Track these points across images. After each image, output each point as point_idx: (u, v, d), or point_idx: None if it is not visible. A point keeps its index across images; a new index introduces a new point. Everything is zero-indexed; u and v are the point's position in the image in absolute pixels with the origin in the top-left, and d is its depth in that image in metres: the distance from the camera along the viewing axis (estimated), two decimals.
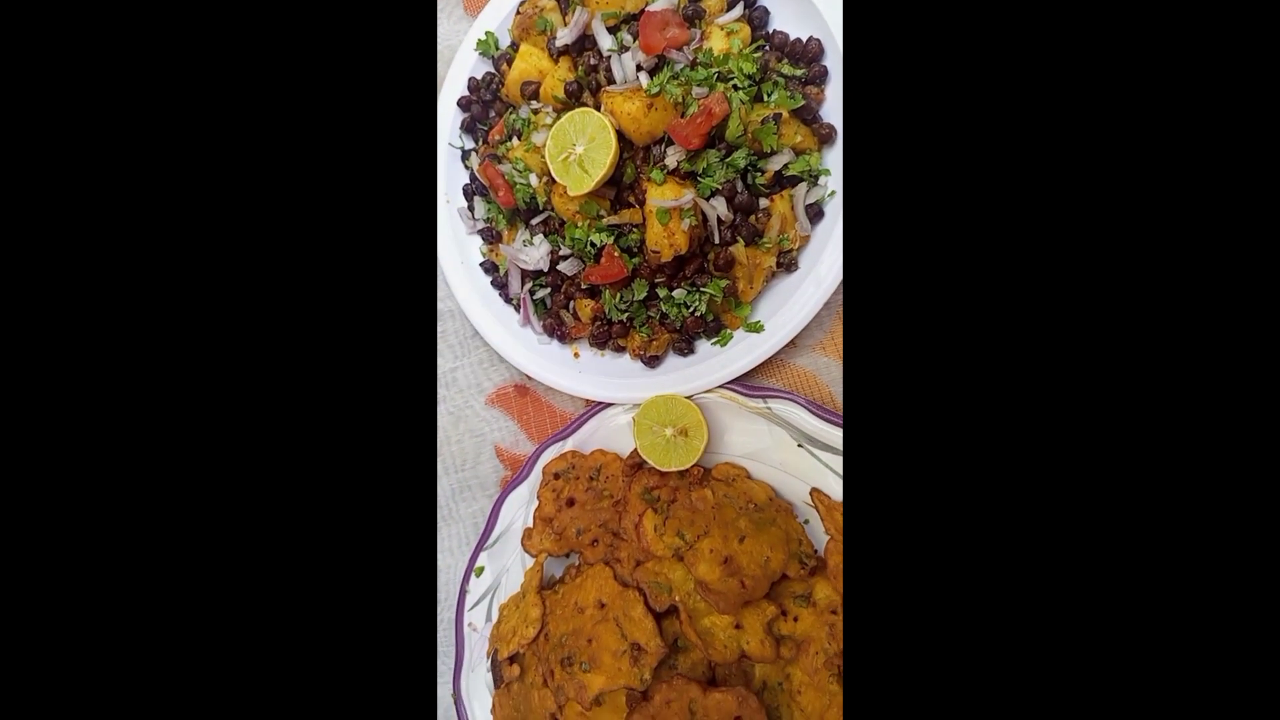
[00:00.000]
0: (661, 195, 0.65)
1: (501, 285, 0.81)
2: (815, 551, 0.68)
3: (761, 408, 0.70)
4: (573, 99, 0.70)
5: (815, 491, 0.68)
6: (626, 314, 0.73)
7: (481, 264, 0.83)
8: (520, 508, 0.80)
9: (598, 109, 0.67)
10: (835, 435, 0.68)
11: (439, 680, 0.86)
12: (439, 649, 0.88)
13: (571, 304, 0.76)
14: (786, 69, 0.67)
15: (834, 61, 0.67)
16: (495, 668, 0.78)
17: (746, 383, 0.71)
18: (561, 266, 0.74)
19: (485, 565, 0.82)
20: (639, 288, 0.71)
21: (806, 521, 0.70)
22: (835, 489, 0.68)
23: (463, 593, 0.82)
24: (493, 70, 0.81)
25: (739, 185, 0.66)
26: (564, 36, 0.70)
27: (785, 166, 0.66)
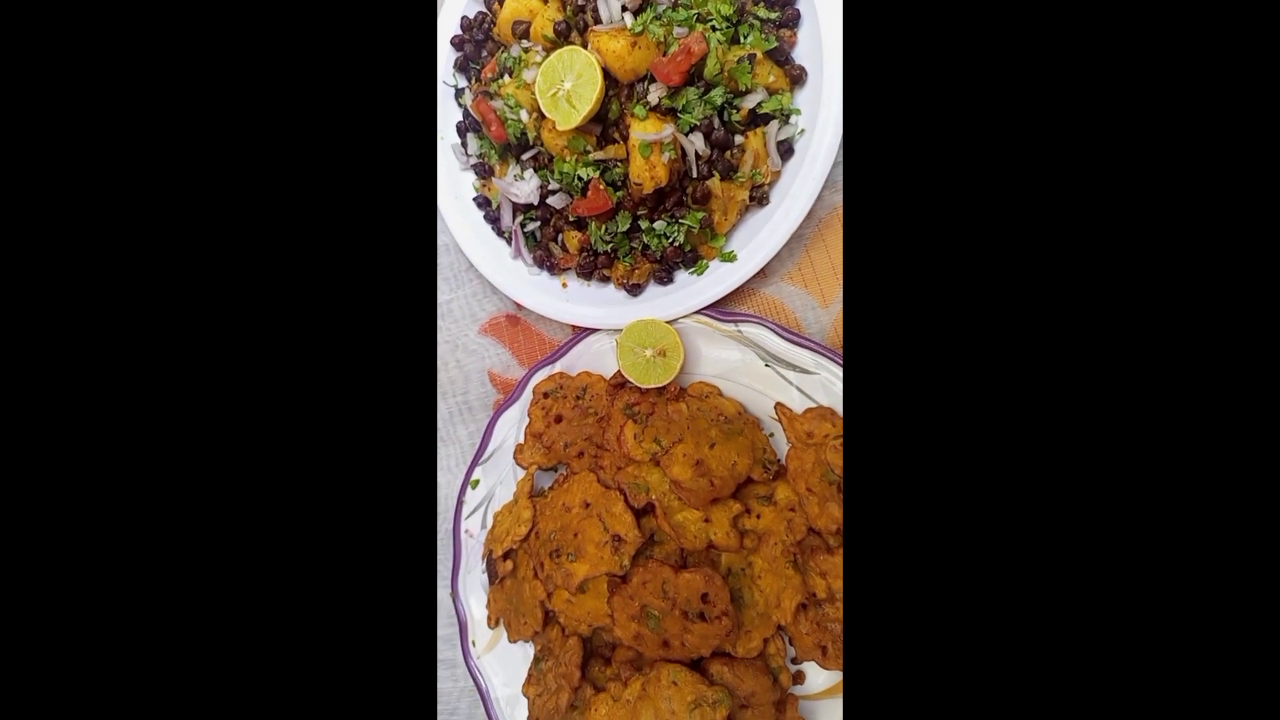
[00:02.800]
0: (644, 129, 0.70)
1: (494, 219, 0.86)
2: (778, 460, 0.76)
3: (733, 331, 0.77)
4: (561, 38, 0.74)
5: (779, 405, 0.75)
6: (611, 245, 0.78)
7: (475, 199, 0.88)
8: (512, 427, 0.87)
9: (585, 47, 0.71)
10: (799, 355, 0.75)
11: (440, 582, 0.94)
12: (439, 556, 0.96)
13: (560, 236, 0.82)
14: (761, 12, 0.71)
15: (807, 6, 0.71)
16: (490, 566, 0.86)
17: (720, 308, 0.78)
18: (551, 200, 0.79)
19: (480, 478, 0.89)
20: (623, 220, 0.76)
21: (771, 434, 0.78)
22: (798, 404, 0.75)
23: (459, 503, 0.89)
24: (485, 10, 0.84)
25: (716, 122, 0.71)
26: None
27: (759, 105, 0.71)
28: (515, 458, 0.85)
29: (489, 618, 0.85)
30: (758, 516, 0.73)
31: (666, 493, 0.73)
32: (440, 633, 0.95)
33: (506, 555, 0.82)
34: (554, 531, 0.76)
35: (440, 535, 0.95)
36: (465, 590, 0.88)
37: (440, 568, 0.95)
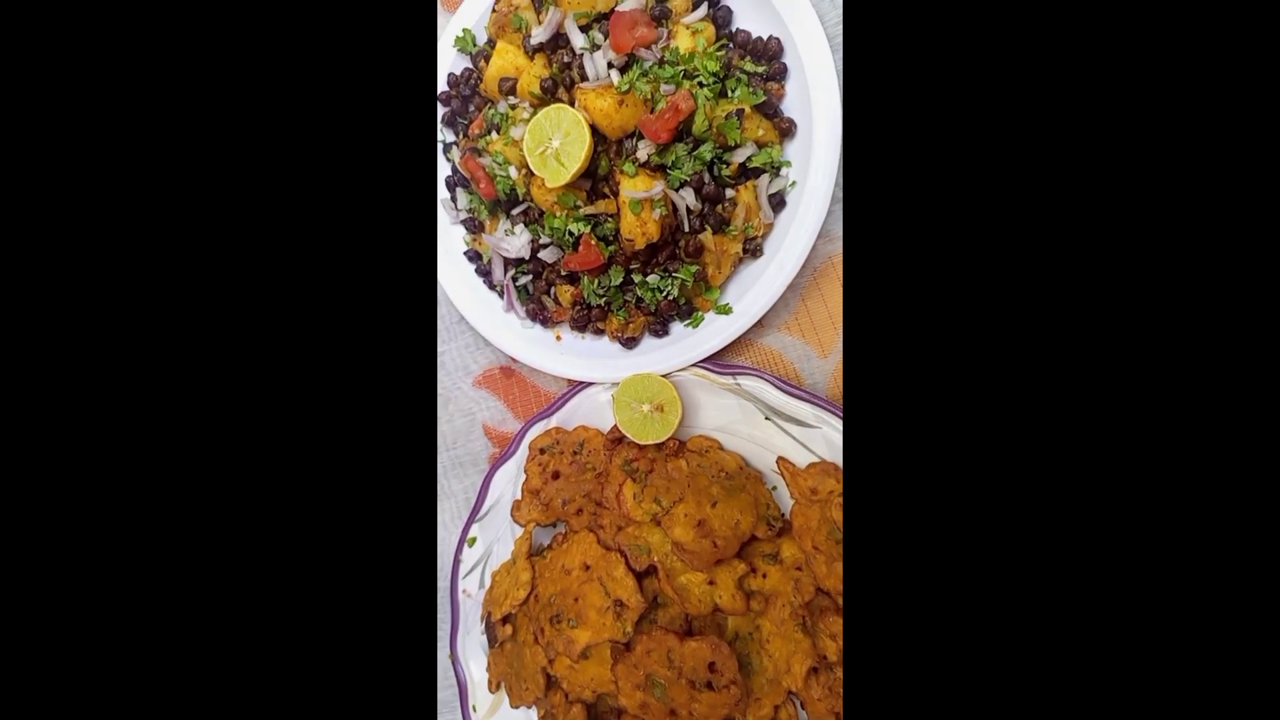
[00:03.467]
0: (633, 187, 0.69)
1: (485, 273, 0.85)
2: (782, 515, 0.74)
3: (731, 384, 0.75)
4: (548, 95, 0.73)
5: (781, 459, 0.74)
6: (604, 299, 0.77)
7: (465, 253, 0.87)
8: (509, 482, 0.86)
9: (572, 105, 0.71)
10: (800, 408, 0.73)
11: (439, 643, 0.92)
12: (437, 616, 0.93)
13: (552, 290, 0.81)
14: (749, 66, 0.71)
15: (794, 59, 0.71)
16: (489, 629, 0.84)
17: (717, 361, 0.77)
18: (542, 254, 0.78)
19: (477, 536, 0.87)
20: (615, 274, 0.75)
21: (774, 488, 0.76)
22: (800, 458, 0.74)
23: (456, 562, 0.87)
24: (471, 66, 0.84)
25: (706, 177, 0.70)
26: (538, 35, 0.74)
27: (749, 159, 0.71)
28: (512, 515, 0.83)
29: (490, 681, 0.83)
30: (764, 576, 0.71)
31: (668, 554, 0.71)
32: (440, 695, 0.92)
33: (505, 619, 0.79)
34: (554, 595, 0.74)
35: (438, 595, 0.93)
36: (465, 652, 0.86)
37: (439, 628, 0.92)
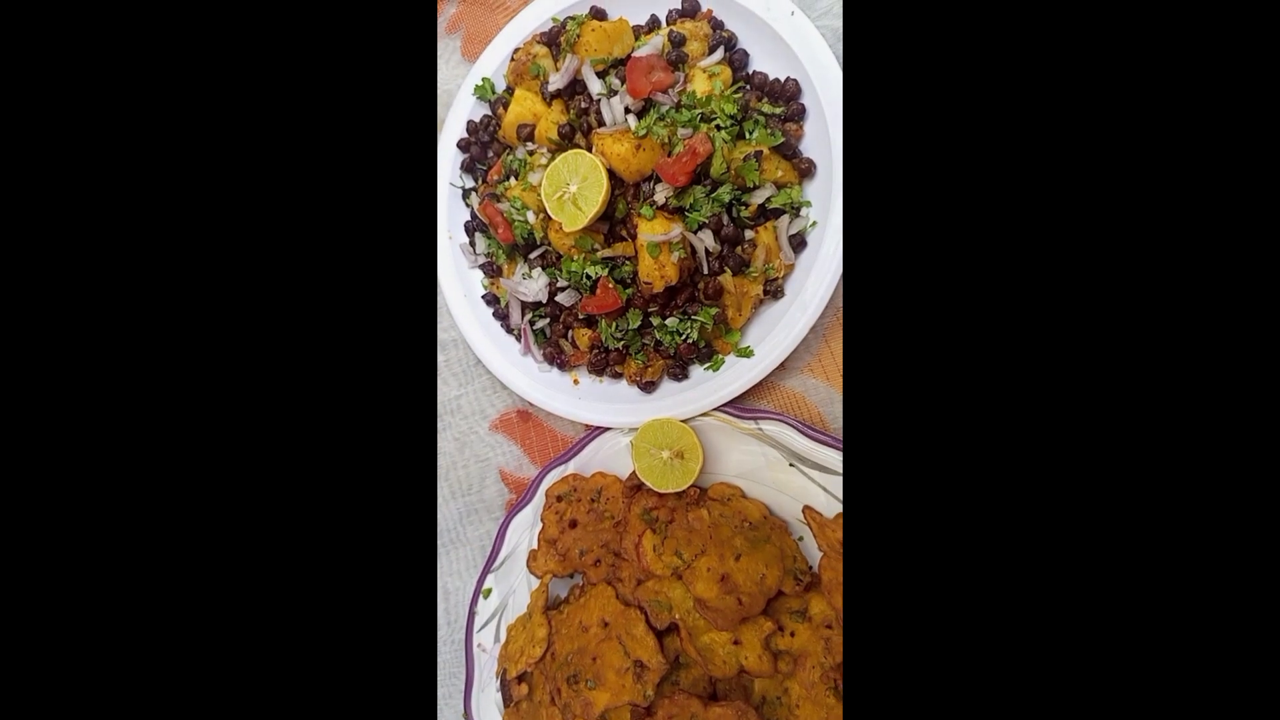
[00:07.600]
0: (651, 230, 0.68)
1: (503, 316, 0.85)
2: (809, 567, 0.71)
3: (753, 429, 0.73)
4: (566, 140, 0.74)
5: (808, 509, 0.70)
6: (622, 342, 0.76)
7: (483, 296, 0.86)
8: (525, 530, 0.83)
9: (589, 150, 0.71)
10: (825, 454, 0.70)
11: (448, 701, 0.88)
12: (449, 670, 0.90)
13: (570, 333, 0.80)
14: (766, 108, 0.70)
15: (813, 99, 0.70)
16: (504, 687, 0.80)
17: (738, 405, 0.74)
18: (559, 298, 0.77)
19: (492, 587, 0.84)
20: (633, 317, 0.74)
21: (800, 538, 0.73)
22: (827, 506, 0.70)
23: (471, 614, 0.84)
24: (490, 113, 0.85)
25: (725, 219, 0.69)
26: (556, 81, 0.74)
27: (768, 200, 0.69)
28: (529, 566, 0.80)
29: None
30: (791, 634, 0.67)
31: (690, 611, 0.67)
32: None
33: (521, 678, 0.76)
34: (571, 654, 0.71)
35: (451, 648, 0.90)
36: (479, 711, 0.82)
37: (454, 683, 0.89)
